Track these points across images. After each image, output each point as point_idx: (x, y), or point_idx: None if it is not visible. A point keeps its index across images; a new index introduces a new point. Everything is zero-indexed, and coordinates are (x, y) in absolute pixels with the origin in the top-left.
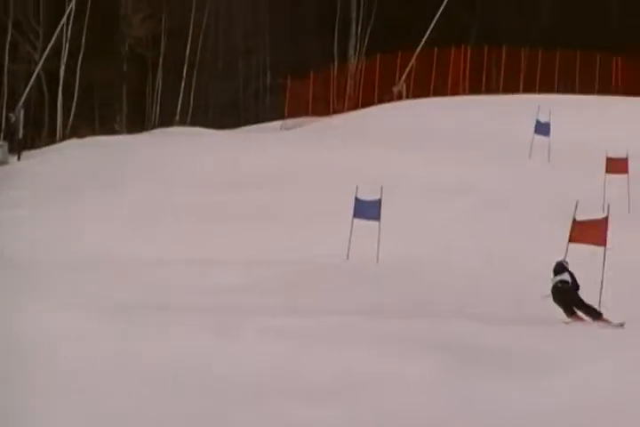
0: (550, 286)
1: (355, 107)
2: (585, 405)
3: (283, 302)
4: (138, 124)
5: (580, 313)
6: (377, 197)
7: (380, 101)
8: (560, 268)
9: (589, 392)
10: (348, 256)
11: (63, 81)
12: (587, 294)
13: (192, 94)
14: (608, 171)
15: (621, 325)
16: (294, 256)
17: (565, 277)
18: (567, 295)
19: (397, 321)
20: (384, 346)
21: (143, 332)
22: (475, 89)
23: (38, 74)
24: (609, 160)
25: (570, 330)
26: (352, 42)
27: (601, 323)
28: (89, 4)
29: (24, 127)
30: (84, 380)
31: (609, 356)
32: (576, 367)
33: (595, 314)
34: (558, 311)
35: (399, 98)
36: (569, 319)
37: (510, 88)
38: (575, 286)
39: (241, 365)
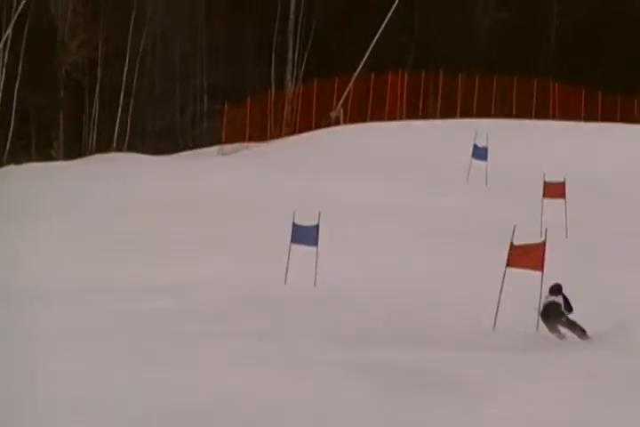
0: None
1: (292, 132)
2: None
3: (219, 326)
4: (75, 150)
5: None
6: (314, 222)
7: (318, 127)
8: (556, 289)
9: (516, 420)
10: (285, 281)
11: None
12: (524, 317)
13: (129, 120)
14: (545, 195)
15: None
16: (231, 281)
17: (559, 299)
18: (554, 314)
19: (331, 345)
20: (316, 370)
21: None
22: (412, 114)
23: None
24: (546, 184)
25: (502, 357)
26: (289, 67)
27: (584, 339)
28: (25, 30)
29: None
30: None
31: (538, 383)
32: (505, 394)
33: (579, 332)
34: (493, 338)
35: (337, 123)
36: (552, 334)
37: (448, 113)
38: (569, 308)
39: (167, 390)
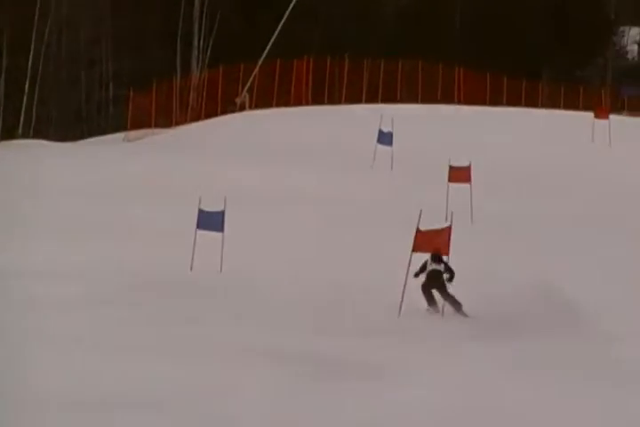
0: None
1: (197, 118)
2: (410, 414)
3: (126, 313)
4: None
5: (439, 305)
6: (220, 208)
7: (223, 113)
8: (438, 257)
9: (416, 402)
10: (191, 267)
11: None
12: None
13: (35, 106)
14: (450, 180)
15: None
16: (137, 267)
17: (440, 267)
18: (436, 283)
19: (240, 331)
20: (224, 357)
21: None
22: (318, 100)
23: None
24: (451, 169)
25: (406, 341)
26: (195, 53)
27: (460, 315)
28: None
29: None
30: None
31: (440, 368)
32: (409, 379)
33: (457, 305)
34: (398, 323)
35: (242, 109)
36: (429, 308)
37: (353, 99)
38: (451, 273)
39: (82, 376)
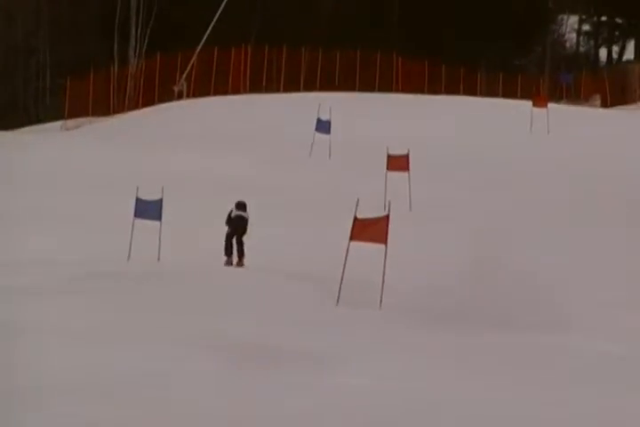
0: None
1: (135, 107)
2: (351, 403)
3: (63, 302)
4: None
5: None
6: (158, 197)
7: (161, 101)
8: (242, 205)
9: (357, 391)
10: (129, 257)
11: None
12: (367, 289)
13: None
14: (389, 168)
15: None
16: (75, 258)
17: (246, 214)
18: (237, 228)
19: (175, 320)
20: (163, 344)
21: None
22: (255, 88)
23: None
24: (390, 157)
25: (344, 331)
26: (132, 42)
27: (236, 263)
28: None
29: None
30: None
31: (375, 357)
32: (344, 367)
33: (241, 254)
34: (336, 312)
35: (180, 97)
36: (224, 258)
37: (291, 88)
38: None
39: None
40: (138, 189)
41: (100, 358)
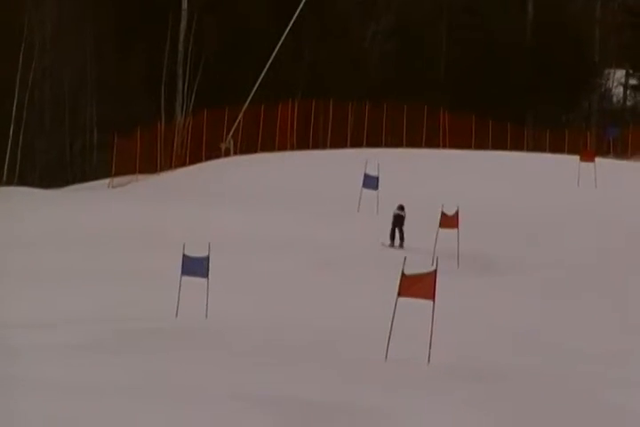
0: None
1: (182, 164)
2: None
3: (111, 359)
4: None
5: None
6: (205, 254)
7: (208, 158)
8: (401, 207)
9: None
10: (177, 314)
11: None
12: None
13: (19, 153)
14: (441, 225)
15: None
16: (123, 314)
17: (403, 213)
18: (398, 222)
19: (224, 376)
20: (214, 402)
21: None
22: (302, 145)
23: None
24: (443, 215)
25: (393, 386)
26: (179, 98)
27: (399, 245)
28: None
29: None
30: None
31: (425, 413)
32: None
33: (402, 241)
34: (385, 368)
35: (227, 154)
36: (388, 243)
37: (338, 143)
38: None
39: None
40: (184, 246)
41: (141, 414)
